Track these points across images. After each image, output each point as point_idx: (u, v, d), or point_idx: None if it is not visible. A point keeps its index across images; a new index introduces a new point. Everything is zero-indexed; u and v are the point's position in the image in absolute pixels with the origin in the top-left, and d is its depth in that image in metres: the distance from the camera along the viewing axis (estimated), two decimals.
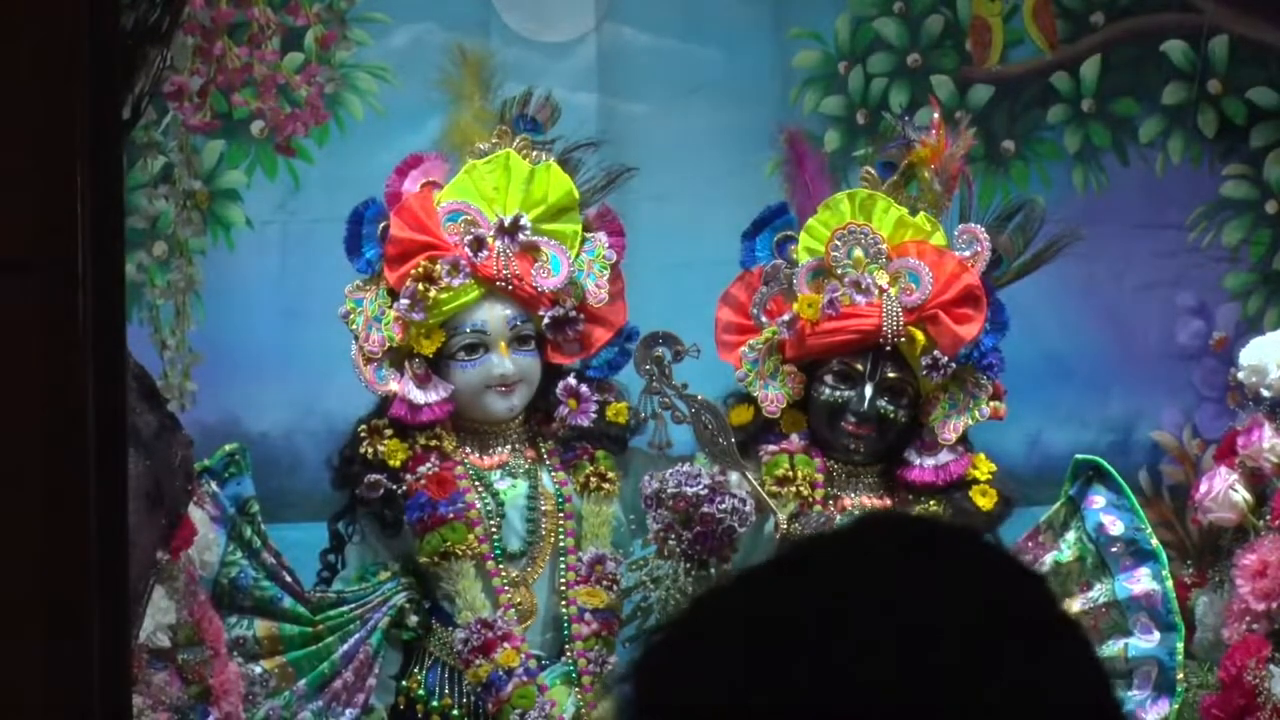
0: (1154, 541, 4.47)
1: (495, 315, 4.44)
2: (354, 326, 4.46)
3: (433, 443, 4.45)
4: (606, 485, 4.51)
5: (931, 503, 4.47)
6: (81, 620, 2.07)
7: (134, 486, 3.25)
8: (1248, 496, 4.41)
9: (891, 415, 4.43)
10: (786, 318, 4.42)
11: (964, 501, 4.47)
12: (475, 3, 5.27)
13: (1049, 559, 4.49)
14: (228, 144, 5.17)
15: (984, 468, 4.50)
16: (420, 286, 4.37)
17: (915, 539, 1.32)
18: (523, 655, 4.40)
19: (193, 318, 4.84)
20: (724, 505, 4.26)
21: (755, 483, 4.40)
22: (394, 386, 4.42)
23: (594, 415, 4.49)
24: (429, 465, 4.44)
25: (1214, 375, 5.35)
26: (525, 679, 4.38)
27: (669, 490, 4.28)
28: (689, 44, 5.34)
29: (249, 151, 5.22)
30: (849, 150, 5.27)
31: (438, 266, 4.38)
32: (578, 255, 4.49)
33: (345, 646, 4.42)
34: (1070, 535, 4.51)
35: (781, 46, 5.38)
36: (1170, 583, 4.44)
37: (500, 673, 4.38)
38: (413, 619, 4.44)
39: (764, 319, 4.47)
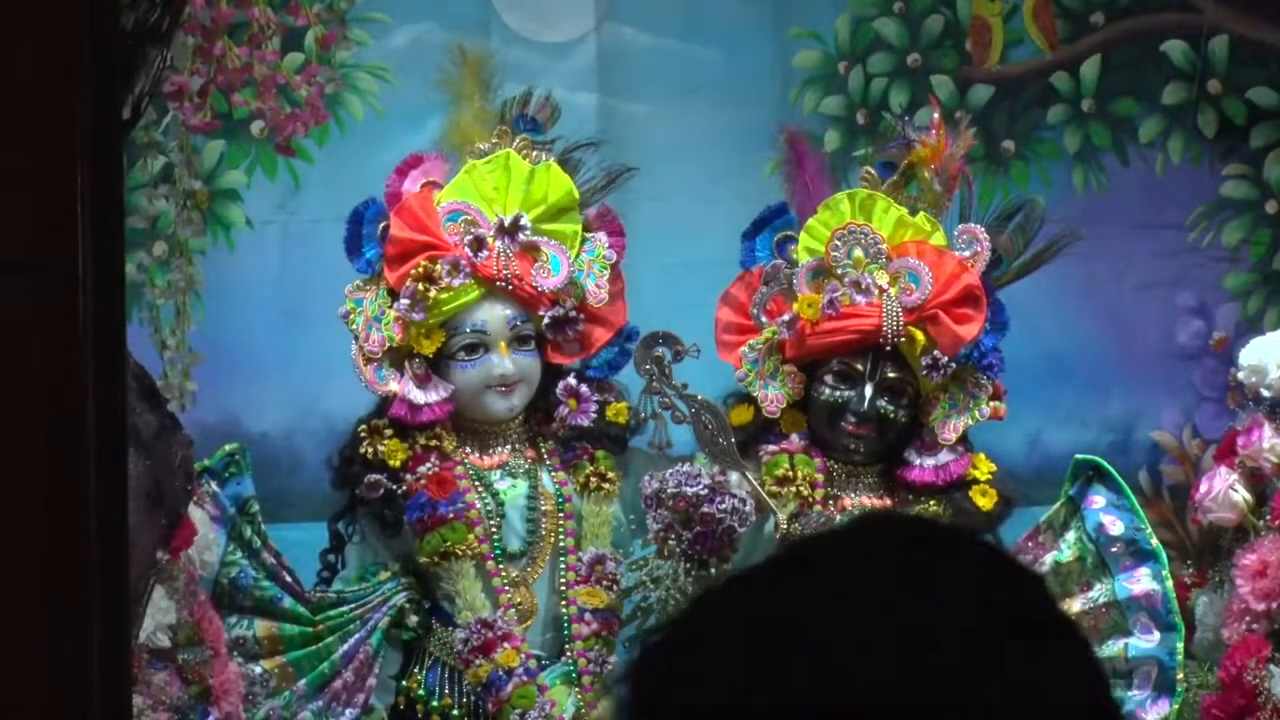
0: (1154, 541, 4.47)
1: (495, 315, 4.44)
2: (354, 326, 4.46)
3: (433, 443, 4.45)
4: (606, 485, 4.51)
5: (931, 503, 4.47)
6: (81, 620, 2.07)
7: (134, 486, 3.25)
8: (1248, 496, 4.41)
9: (891, 415, 4.43)
10: (786, 318, 4.42)
11: (964, 501, 4.47)
12: (475, 3, 5.27)
13: (1049, 559, 4.50)
14: (228, 144, 5.17)
15: (984, 468, 4.50)
16: (420, 286, 4.37)
17: (914, 539, 1.32)
18: (523, 655, 4.40)
19: (193, 318, 4.83)
20: (724, 505, 4.26)
21: (755, 483, 4.40)
22: (394, 386, 4.42)
23: (594, 415, 4.49)
24: (429, 465, 4.44)
25: (1214, 375, 5.35)
26: (525, 679, 4.38)
27: (669, 490, 4.28)
28: (689, 44, 5.33)
29: (249, 151, 5.22)
30: (849, 150, 5.27)
31: (438, 266, 4.38)
32: (578, 255, 4.49)
33: (345, 646, 4.42)
34: (1070, 535, 4.51)
35: (781, 46, 5.38)
36: (1170, 583, 4.44)
37: (500, 673, 4.38)
38: (413, 619, 4.44)
39: (764, 319, 4.47)
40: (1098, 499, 4.51)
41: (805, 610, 1.27)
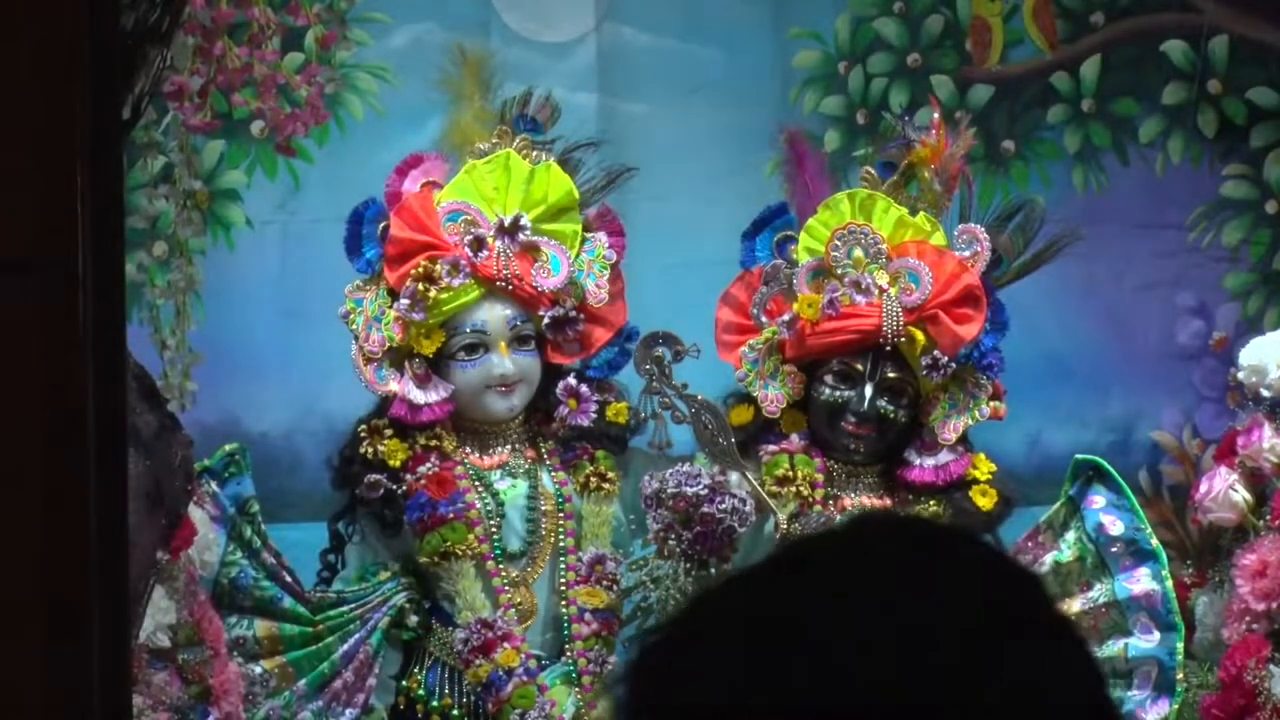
0: (1154, 541, 4.47)
1: (495, 315, 4.44)
2: (354, 326, 4.46)
3: (433, 443, 4.45)
4: (606, 485, 4.51)
5: (931, 503, 4.47)
6: (81, 620, 2.07)
7: (134, 486, 3.25)
8: (1248, 496, 4.41)
9: (891, 415, 4.43)
10: (786, 318, 4.42)
11: (964, 501, 4.47)
12: (475, 3, 5.27)
13: (1049, 559, 4.50)
14: (228, 144, 5.17)
15: (984, 468, 4.50)
16: (420, 286, 4.37)
17: (913, 539, 1.32)
18: (523, 655, 4.40)
19: (193, 318, 4.83)
20: (724, 505, 4.26)
21: (755, 483, 4.40)
22: (394, 386, 4.42)
23: (594, 415, 4.49)
24: (429, 465, 4.44)
25: (1214, 375, 5.35)
26: (525, 679, 4.39)
27: (669, 490, 4.28)
28: (689, 44, 5.33)
29: (249, 151, 5.22)
30: (849, 150, 5.27)
31: (438, 266, 4.38)
32: (578, 255, 4.49)
33: (345, 646, 4.42)
34: (1070, 535, 4.51)
35: (781, 46, 5.38)
36: (1170, 583, 4.44)
37: (500, 673, 4.38)
38: (413, 619, 4.45)
39: (764, 319, 4.47)
40: (1098, 499, 4.52)
41: (804, 610, 1.27)
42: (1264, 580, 4.31)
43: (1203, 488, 4.46)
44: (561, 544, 4.49)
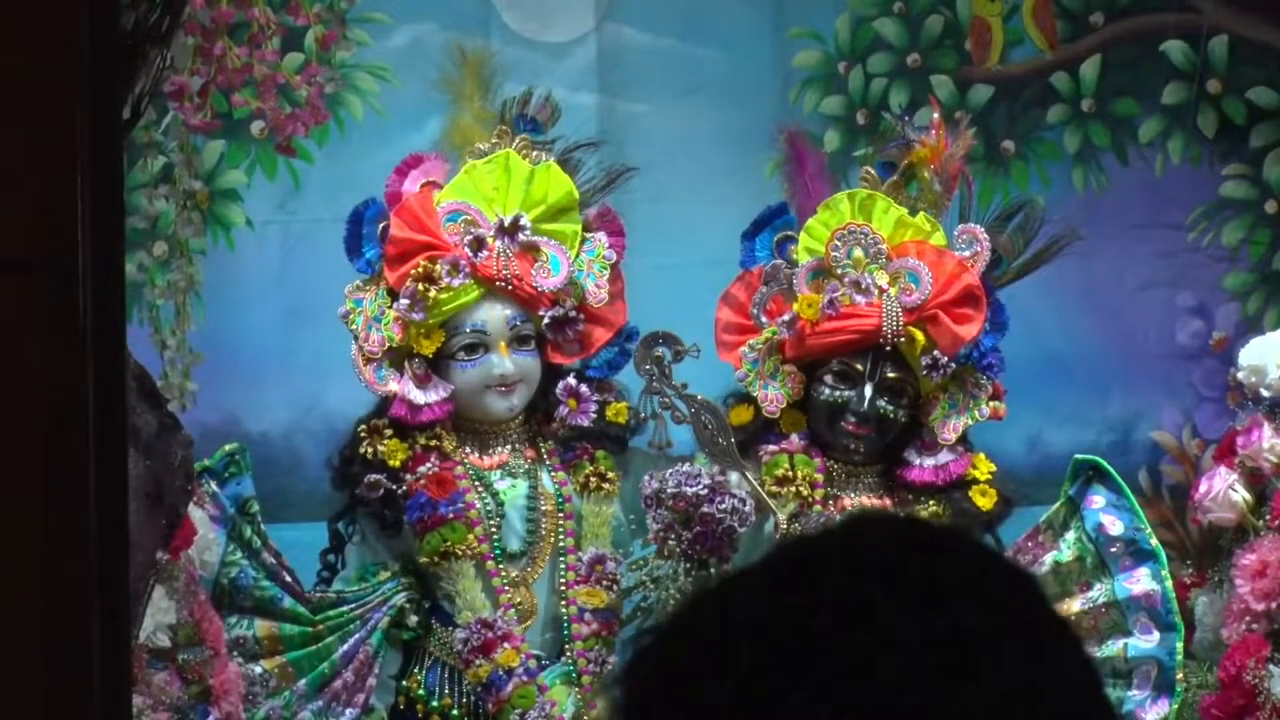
0: (1153, 541, 4.47)
1: (495, 315, 4.44)
2: (354, 326, 4.46)
3: (433, 443, 4.45)
4: (606, 485, 4.51)
5: (931, 503, 4.47)
6: (81, 620, 2.07)
7: (134, 486, 3.25)
8: (1247, 496, 4.41)
9: (891, 415, 4.44)
10: (786, 318, 4.42)
11: (964, 501, 4.47)
12: (475, 3, 5.27)
13: (1049, 559, 4.50)
14: (228, 144, 5.17)
15: (984, 468, 4.50)
16: (420, 286, 4.37)
17: (909, 540, 1.31)
18: (523, 655, 4.40)
19: (193, 318, 4.84)
20: (724, 505, 4.26)
21: (755, 483, 4.40)
22: (394, 386, 4.42)
23: (594, 415, 4.49)
24: (429, 465, 4.44)
25: (1214, 375, 5.35)
26: (525, 679, 4.39)
27: (669, 490, 4.28)
28: (689, 44, 5.33)
29: (249, 151, 5.22)
30: (849, 150, 5.27)
31: (438, 266, 4.38)
32: (578, 255, 4.49)
33: (345, 646, 4.42)
34: (1070, 535, 4.51)
35: (781, 46, 5.38)
36: (1170, 583, 4.44)
37: (500, 673, 4.38)
38: (413, 619, 4.45)
39: (764, 319, 4.47)
40: (1097, 499, 4.51)
41: (800, 611, 1.27)
42: (1264, 580, 4.31)
43: (1202, 488, 4.46)
44: (561, 544, 4.49)
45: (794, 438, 4.45)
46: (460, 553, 4.40)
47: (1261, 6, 5.34)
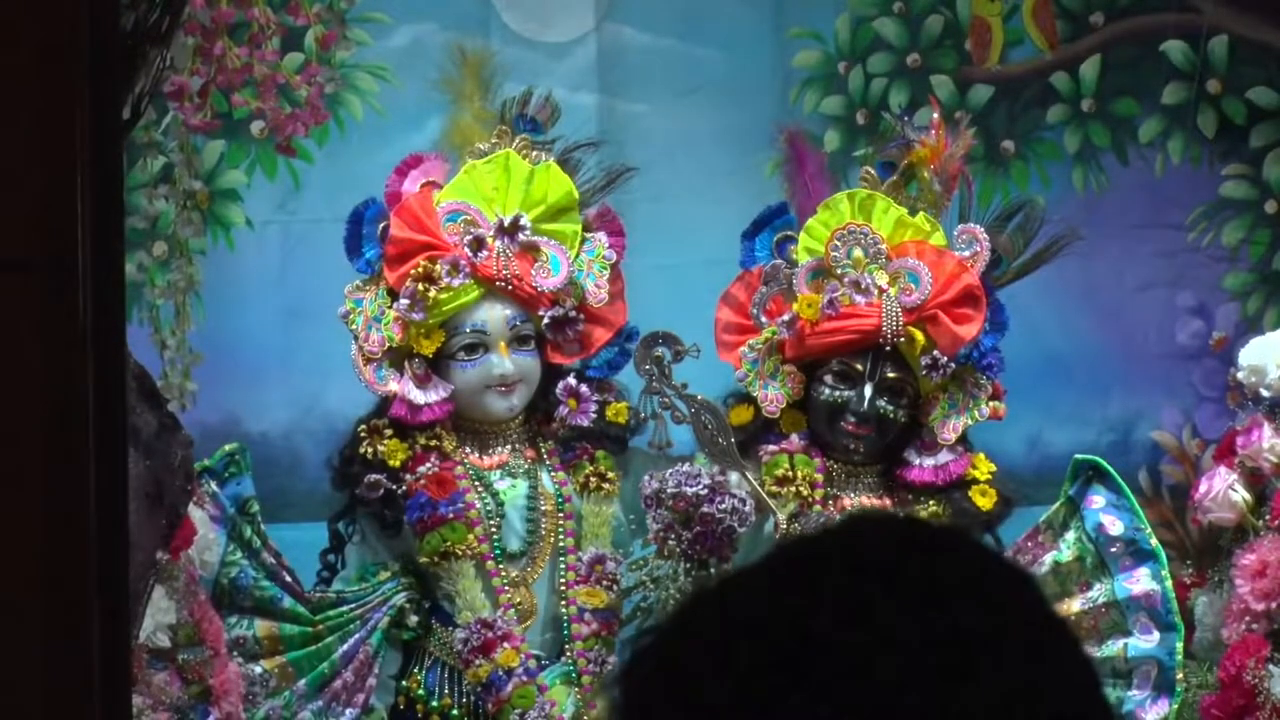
0: (1153, 541, 4.47)
1: (495, 315, 4.44)
2: (354, 326, 4.46)
3: (433, 443, 4.45)
4: (606, 485, 4.51)
5: (931, 503, 4.47)
6: (81, 620, 2.07)
7: (134, 486, 3.25)
8: (1247, 496, 4.41)
9: (891, 415, 4.44)
10: (786, 318, 4.42)
11: (964, 501, 4.47)
12: (475, 3, 5.27)
13: (1049, 559, 4.50)
14: (228, 144, 5.17)
15: (984, 468, 4.50)
16: (420, 286, 4.37)
17: (908, 540, 1.31)
18: (523, 655, 4.40)
19: (193, 318, 4.84)
20: (724, 505, 4.26)
21: (755, 483, 4.40)
22: (394, 386, 4.42)
23: (594, 415, 4.49)
24: (429, 465, 4.44)
25: (1214, 375, 5.35)
26: (525, 679, 4.39)
27: (669, 490, 4.28)
28: (689, 44, 5.33)
29: (249, 151, 5.22)
30: (849, 150, 5.27)
31: (437, 266, 4.38)
32: (577, 255, 4.49)
33: (345, 646, 4.42)
34: (1070, 535, 4.51)
35: (781, 46, 5.38)
36: (1170, 583, 4.44)
37: (500, 673, 4.38)
38: (413, 619, 4.45)
39: (764, 319, 4.47)
40: (1097, 499, 4.51)
41: (800, 611, 1.27)
42: (1264, 580, 4.31)
43: (1202, 488, 4.46)
44: (561, 544, 4.49)
45: (794, 438, 4.45)
46: (460, 553, 4.40)
47: (1261, 6, 5.34)
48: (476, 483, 4.48)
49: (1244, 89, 5.35)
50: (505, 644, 4.38)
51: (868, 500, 4.49)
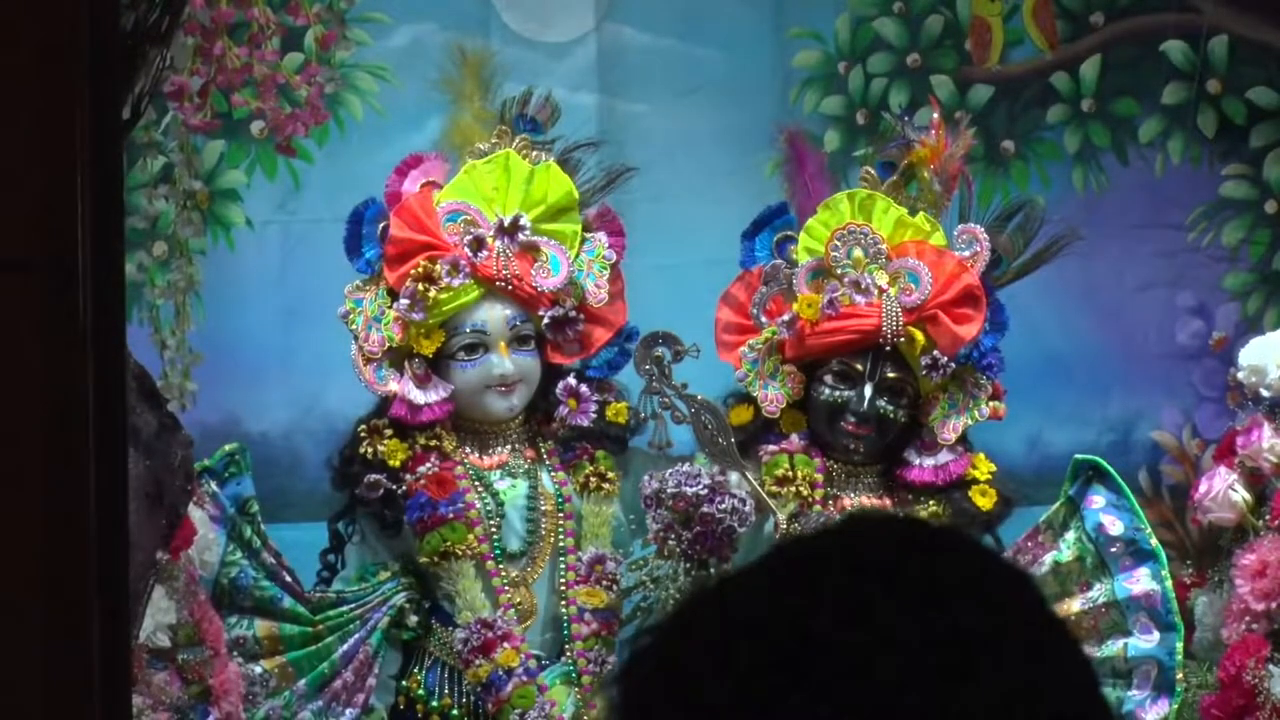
0: (1153, 541, 4.47)
1: (495, 315, 4.44)
2: (354, 326, 4.46)
3: (433, 443, 4.45)
4: (606, 485, 4.51)
5: (931, 503, 4.47)
6: (81, 620, 2.07)
7: (134, 486, 3.25)
8: (1247, 496, 4.41)
9: (891, 415, 4.44)
10: (786, 318, 4.42)
11: (964, 501, 4.47)
12: (475, 3, 5.27)
13: (1049, 559, 4.50)
14: (228, 144, 5.17)
15: (984, 468, 4.50)
16: (420, 286, 4.37)
17: (908, 540, 1.31)
18: (523, 655, 4.40)
19: (193, 318, 4.84)
20: (724, 505, 4.26)
21: (755, 483, 4.40)
22: (394, 386, 4.42)
23: (594, 415, 4.49)
24: (429, 465, 4.44)
25: (1214, 375, 5.35)
26: (525, 679, 4.39)
27: (669, 490, 4.28)
28: (689, 44, 5.33)
29: (249, 151, 5.22)
30: (849, 150, 5.27)
31: (437, 266, 4.38)
32: (577, 255, 4.49)
33: (345, 646, 4.42)
34: (1070, 535, 4.51)
35: (781, 46, 5.38)
36: (1170, 583, 4.44)
37: (500, 673, 4.38)
38: (413, 619, 4.45)
39: (764, 319, 4.47)
40: (1097, 499, 4.51)
41: (800, 611, 1.27)
42: (1264, 580, 4.31)
43: (1202, 488, 4.46)
44: (561, 544, 4.49)
45: (794, 438, 4.45)
46: (460, 553, 4.40)
47: (1261, 6, 5.34)
48: (476, 483, 4.48)
49: (1244, 89, 5.35)
50: (505, 644, 4.38)
51: (868, 500, 4.49)
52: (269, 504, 4.53)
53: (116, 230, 2.13)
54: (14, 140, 2.06)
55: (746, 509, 4.30)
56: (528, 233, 4.44)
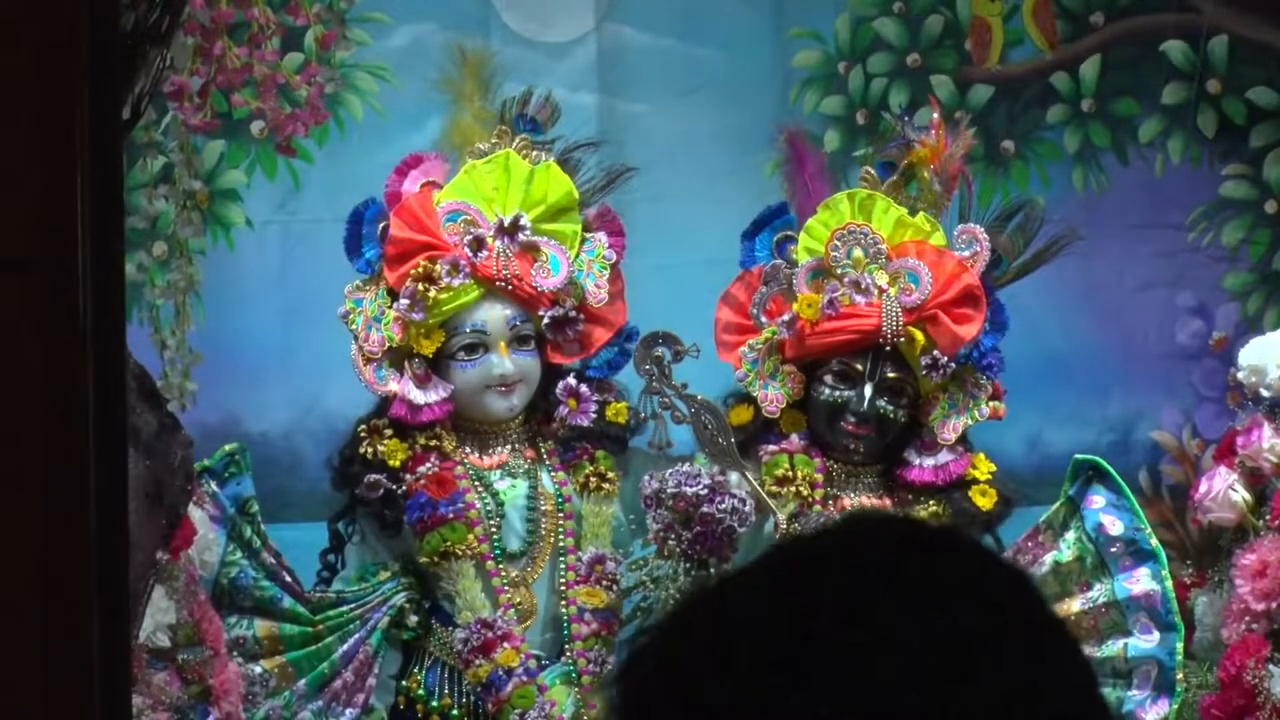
0: (1153, 541, 4.47)
1: (495, 315, 4.44)
2: (354, 326, 4.46)
3: (433, 443, 4.45)
4: (606, 485, 4.51)
5: (931, 503, 4.47)
6: (81, 620, 2.07)
7: (134, 486, 3.25)
8: (1247, 496, 4.41)
9: (891, 415, 4.44)
10: (786, 318, 4.42)
11: (964, 501, 4.47)
12: (475, 3, 5.27)
13: (1049, 559, 4.50)
14: (228, 144, 5.17)
15: (984, 468, 4.50)
16: (420, 286, 4.37)
17: (908, 540, 1.31)
18: (522, 655, 4.40)
19: (193, 318, 4.84)
20: (724, 505, 4.26)
21: (755, 483, 4.40)
22: (394, 386, 4.42)
23: (594, 415, 4.49)
24: (429, 465, 4.44)
25: (1214, 375, 5.35)
26: (525, 679, 4.39)
27: (669, 490, 4.28)
28: (689, 44, 5.33)
29: (249, 151, 5.22)
30: (849, 150, 5.27)
31: (437, 266, 4.38)
32: (577, 255, 4.49)
33: (345, 646, 4.42)
34: (1070, 535, 4.51)
35: (781, 46, 5.38)
36: (1170, 583, 4.44)
37: (500, 673, 4.38)
38: (413, 619, 4.45)
39: (764, 319, 4.47)
40: (1097, 499, 4.51)
41: (800, 611, 1.26)
42: (1264, 580, 4.31)
43: (1202, 488, 4.46)
44: (561, 544, 4.49)
45: (794, 438, 4.45)
46: (460, 553, 4.40)
47: (1261, 6, 5.34)
48: (476, 483, 4.48)
49: (1244, 89, 5.35)
50: (505, 644, 4.38)
51: (868, 500, 4.49)
52: (269, 504, 4.53)
53: (116, 230, 2.13)
54: (14, 140, 2.06)
55: (746, 509, 4.30)
56: (528, 233, 4.44)
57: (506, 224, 4.43)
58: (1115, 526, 4.48)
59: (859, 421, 4.43)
